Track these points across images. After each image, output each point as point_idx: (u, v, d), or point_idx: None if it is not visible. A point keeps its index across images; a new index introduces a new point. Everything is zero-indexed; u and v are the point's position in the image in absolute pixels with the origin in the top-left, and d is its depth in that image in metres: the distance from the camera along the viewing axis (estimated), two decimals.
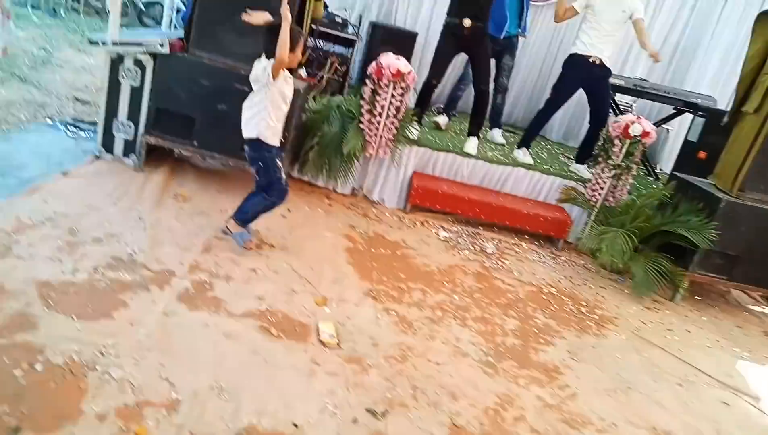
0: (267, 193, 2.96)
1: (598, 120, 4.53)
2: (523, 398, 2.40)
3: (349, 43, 4.97)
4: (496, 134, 5.14)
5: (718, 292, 4.28)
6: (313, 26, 4.55)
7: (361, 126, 4.06)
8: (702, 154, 4.71)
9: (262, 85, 2.76)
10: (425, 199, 4.28)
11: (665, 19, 5.80)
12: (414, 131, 4.31)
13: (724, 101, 5.55)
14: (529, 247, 4.27)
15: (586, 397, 2.53)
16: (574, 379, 2.66)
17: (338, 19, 4.86)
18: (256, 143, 2.85)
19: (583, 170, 4.65)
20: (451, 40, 4.26)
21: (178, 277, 2.61)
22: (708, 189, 3.96)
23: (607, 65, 4.40)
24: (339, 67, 4.78)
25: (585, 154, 4.69)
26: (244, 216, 2.99)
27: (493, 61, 5.12)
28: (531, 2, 5.52)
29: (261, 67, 2.74)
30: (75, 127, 4.16)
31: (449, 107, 5.21)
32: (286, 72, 2.79)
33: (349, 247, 3.43)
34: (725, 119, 4.18)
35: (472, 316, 3.00)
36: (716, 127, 4.56)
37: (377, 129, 4.05)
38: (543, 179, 4.55)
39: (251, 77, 2.80)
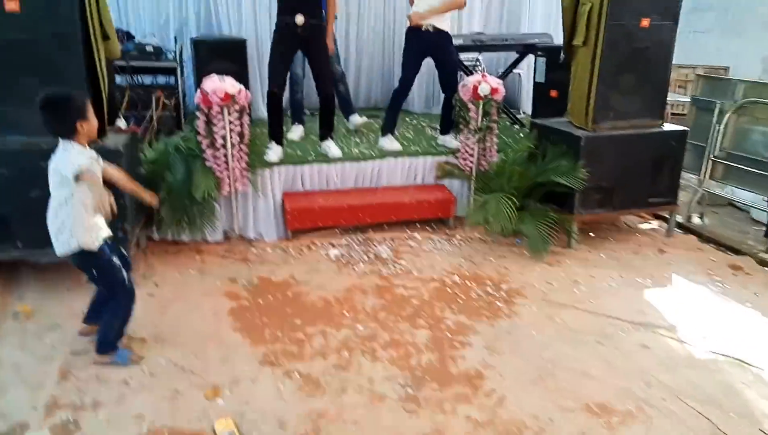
0: (115, 299, 2.51)
1: (449, 86, 4.42)
2: (453, 427, 2.23)
3: (171, 71, 4.46)
4: (354, 119, 4.93)
5: (609, 223, 4.39)
6: (119, 65, 4.03)
7: (208, 163, 3.66)
8: (554, 93, 4.77)
9: (64, 187, 2.27)
10: (304, 219, 3.98)
11: None
12: (272, 152, 3.97)
13: (559, 36, 5.67)
14: (422, 236, 4.12)
15: (514, 397, 2.41)
16: (498, 379, 2.54)
17: (149, 48, 4.33)
18: (79, 256, 2.37)
19: (450, 140, 4.55)
20: (285, 41, 3.90)
21: (32, 429, 2.16)
22: (567, 129, 3.98)
23: (443, 29, 4.27)
24: (167, 102, 4.29)
25: (447, 123, 4.57)
26: (108, 345, 2.52)
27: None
28: None
29: (56, 172, 2.26)
30: None
31: (296, 115, 4.85)
32: (87, 150, 2.33)
33: (233, 309, 3.07)
34: (562, 56, 4.22)
35: (381, 342, 2.79)
36: (558, 64, 4.63)
37: (225, 162, 3.67)
38: (416, 162, 4.40)
39: (50, 178, 2.30)
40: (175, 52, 4.39)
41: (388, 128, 4.48)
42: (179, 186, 3.61)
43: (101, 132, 3.09)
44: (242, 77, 4.93)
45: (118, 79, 4.43)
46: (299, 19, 3.78)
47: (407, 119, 5.52)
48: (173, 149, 3.79)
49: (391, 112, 4.51)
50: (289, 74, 4.61)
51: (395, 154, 4.34)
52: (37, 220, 3.00)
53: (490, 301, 3.23)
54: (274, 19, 3.95)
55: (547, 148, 4.01)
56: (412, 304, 3.18)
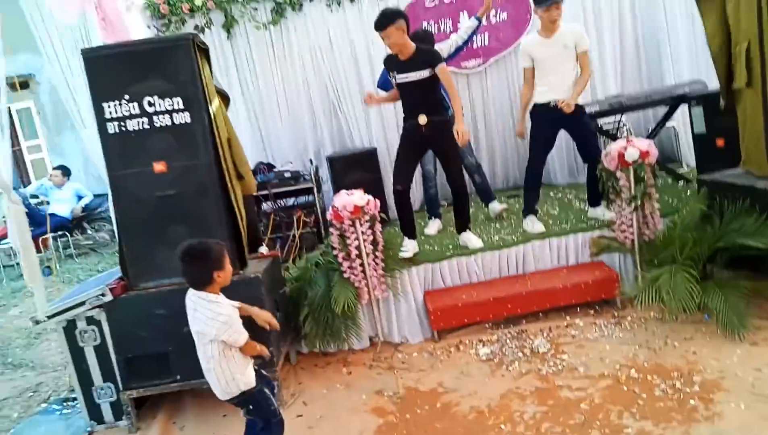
0: (268, 429, 2.48)
1: (588, 155, 4.08)
2: None
3: (309, 191, 4.69)
4: (494, 206, 4.70)
5: None
6: (262, 194, 4.37)
7: (345, 275, 3.64)
8: (720, 142, 4.13)
9: (213, 344, 2.33)
10: (449, 318, 3.74)
11: (609, 27, 5.44)
12: (407, 248, 3.88)
13: (714, 80, 5.04)
14: (585, 322, 3.63)
15: None
16: None
17: (287, 174, 4.62)
18: (237, 397, 2.41)
19: (601, 212, 4.10)
20: (410, 141, 3.93)
21: None
22: (745, 182, 3.37)
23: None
24: (306, 219, 4.47)
25: (595, 194, 4.16)
26: None
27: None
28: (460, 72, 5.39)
29: (201, 335, 2.35)
30: (70, 401, 3.81)
31: (432, 210, 4.77)
32: (221, 300, 2.38)
33: (379, 427, 2.85)
34: (721, 102, 3.68)
35: None
36: (718, 110, 4.04)
37: (362, 272, 3.62)
38: (564, 241, 3.99)
39: (196, 338, 2.39)
40: (310, 173, 4.63)
41: (528, 209, 4.19)
42: (320, 300, 3.62)
43: (242, 263, 3.25)
44: (377, 184, 5.12)
45: (265, 206, 4.79)
46: (422, 119, 3.80)
47: (551, 193, 5.16)
48: (314, 265, 3.87)
49: (528, 193, 4.23)
50: (422, 171, 4.66)
51: (540, 235, 3.98)
52: (191, 353, 3.17)
53: (681, 400, 2.63)
54: (401, 125, 4.03)
55: (724, 206, 3.39)
56: (581, 409, 2.69)
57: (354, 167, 5.12)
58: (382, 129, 5.62)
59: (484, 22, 4.67)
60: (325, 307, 3.60)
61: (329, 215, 3.62)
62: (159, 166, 3.04)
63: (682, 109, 4.97)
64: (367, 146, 5.58)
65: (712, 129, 4.21)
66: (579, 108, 4.04)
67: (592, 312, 3.74)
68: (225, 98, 3.57)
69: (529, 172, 4.22)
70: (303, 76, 5.68)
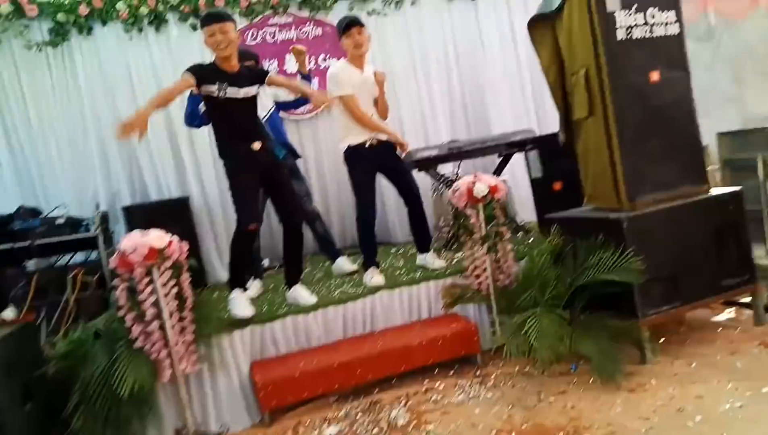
0: None
1: (410, 197, 3.73)
2: None
3: (92, 244, 3.57)
4: (343, 263, 4.03)
5: (674, 322, 3.41)
6: (20, 248, 3.20)
7: (137, 344, 2.63)
8: (557, 186, 4.08)
9: None
10: (284, 393, 2.91)
11: (437, 77, 5.38)
12: (238, 303, 3.04)
13: (541, 126, 5.20)
14: (446, 384, 3.06)
15: None
16: None
17: (60, 220, 3.48)
18: None
19: (431, 260, 3.71)
20: (246, 170, 3.13)
21: None
22: (596, 215, 3.22)
23: (385, 139, 3.69)
24: (87, 279, 3.34)
25: (424, 237, 3.80)
26: None
27: None
28: (291, 118, 4.86)
29: None
30: None
31: (255, 269, 3.96)
32: None
33: None
34: (560, 137, 3.60)
35: None
36: (553, 153, 4.05)
37: (162, 338, 2.65)
38: (415, 291, 3.47)
39: None
40: (92, 221, 3.54)
41: (367, 261, 3.63)
42: (99, 381, 2.54)
43: None
44: (190, 239, 4.15)
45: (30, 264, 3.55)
46: (256, 145, 3.12)
47: (392, 251, 4.68)
48: (92, 336, 2.77)
49: (364, 244, 3.69)
50: None
51: (388, 285, 3.41)
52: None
53: None
54: (219, 172, 3.26)
55: (577, 243, 3.17)
56: None
57: (160, 219, 4.04)
58: (196, 174, 4.74)
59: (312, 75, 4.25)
60: (105, 390, 2.54)
61: (112, 262, 2.64)
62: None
63: (511, 166, 4.99)
64: (177, 195, 4.64)
65: (549, 173, 4.16)
66: (392, 145, 3.73)
67: (451, 372, 3.20)
68: None
69: (361, 222, 3.67)
70: (92, 111, 4.60)
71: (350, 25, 3.55)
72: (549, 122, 5.14)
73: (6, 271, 3.39)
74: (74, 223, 3.59)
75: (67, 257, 3.78)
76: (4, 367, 2.17)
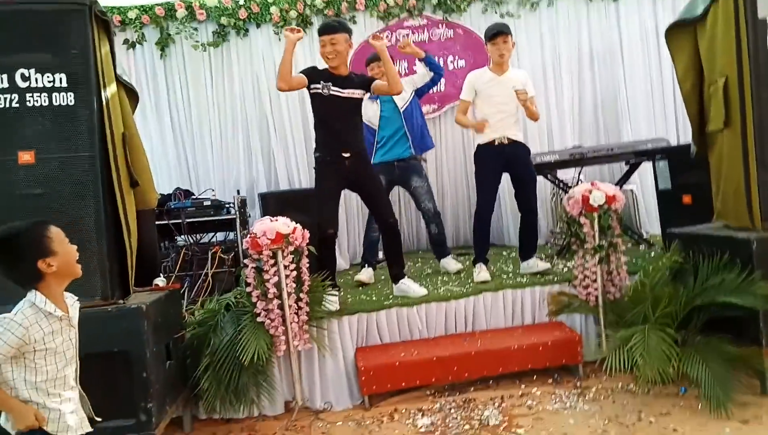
0: None
1: (525, 203, 3.79)
2: None
3: (231, 226, 4.04)
4: (448, 263, 4.14)
5: None
6: (173, 224, 3.73)
7: (259, 319, 2.97)
8: (687, 199, 3.82)
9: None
10: (383, 380, 3.09)
11: (569, 80, 5.27)
12: (331, 301, 3.23)
13: (673, 136, 4.89)
14: (543, 391, 3.06)
15: None
16: None
17: (207, 203, 3.98)
18: None
19: (535, 264, 3.70)
20: (332, 176, 3.40)
21: None
22: (723, 233, 2.99)
23: (518, 140, 3.77)
24: (224, 256, 3.79)
25: (529, 246, 3.81)
26: None
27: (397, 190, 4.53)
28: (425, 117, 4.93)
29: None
30: None
31: (369, 256, 4.22)
32: (45, 300, 1.62)
33: None
34: (692, 149, 3.38)
35: None
36: (684, 164, 3.80)
37: (281, 317, 2.97)
38: (520, 295, 3.48)
39: None
40: (233, 204, 4.00)
41: (477, 257, 3.78)
42: (225, 350, 2.92)
43: (123, 290, 2.56)
44: (315, 228, 4.53)
45: (180, 240, 4.10)
46: (345, 153, 3.34)
47: (504, 253, 4.69)
48: (223, 308, 3.18)
49: (477, 240, 3.84)
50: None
51: (493, 287, 3.47)
52: None
53: None
54: None
55: (699, 261, 2.98)
56: None
57: (289, 207, 4.43)
58: None
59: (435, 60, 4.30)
60: (230, 358, 2.91)
61: (245, 243, 3.00)
62: (26, 157, 2.37)
63: (640, 174, 4.74)
64: (306, 187, 5.05)
65: (678, 185, 3.91)
66: (526, 150, 3.83)
67: (550, 380, 3.19)
68: (131, 93, 2.97)
69: (478, 217, 3.84)
70: (242, 107, 5.16)
71: (497, 34, 3.69)
72: (689, 132, 4.81)
73: (160, 244, 3.95)
74: (218, 206, 4.08)
75: (211, 235, 4.29)
76: (153, 327, 2.58)
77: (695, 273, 2.98)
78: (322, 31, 3.26)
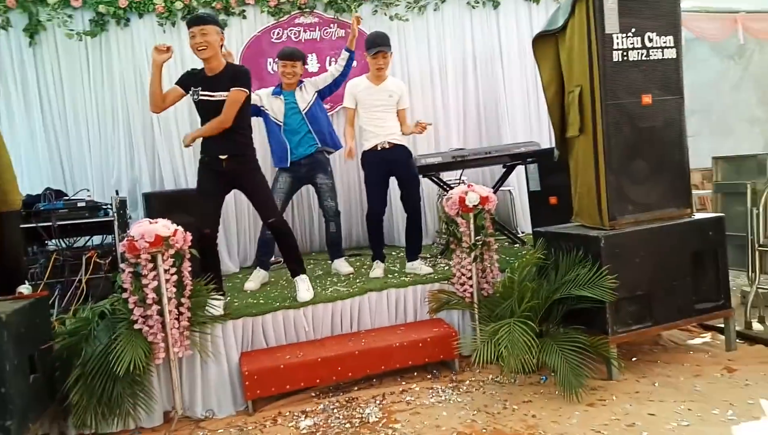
0: None
1: (409, 207, 4.01)
2: None
3: (108, 228, 3.86)
4: (340, 265, 4.23)
5: (650, 342, 3.51)
6: (43, 227, 3.51)
7: (136, 326, 2.88)
8: (553, 200, 4.18)
9: None
10: (267, 384, 3.10)
11: (453, 84, 5.52)
12: (216, 305, 3.20)
13: (545, 141, 5.28)
14: (422, 387, 3.22)
15: None
16: None
17: (81, 204, 3.77)
18: None
19: (419, 267, 3.93)
20: (211, 178, 3.37)
21: None
22: (579, 232, 3.30)
23: (400, 143, 3.98)
24: (100, 261, 3.62)
25: (414, 247, 4.04)
26: None
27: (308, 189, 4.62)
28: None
29: None
30: None
31: (262, 255, 4.21)
32: None
33: None
34: (555, 153, 3.69)
35: None
36: (552, 167, 4.10)
37: (160, 323, 2.90)
38: (403, 294, 3.64)
39: None
40: (111, 206, 3.82)
41: (375, 255, 4.02)
42: (98, 359, 2.80)
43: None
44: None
45: (51, 244, 3.85)
46: (223, 155, 3.31)
47: (393, 253, 4.85)
48: (97, 316, 3.04)
49: (373, 239, 4.06)
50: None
51: (378, 286, 3.59)
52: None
53: None
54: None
55: (560, 257, 3.28)
56: None
57: (176, 208, 4.29)
58: None
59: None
60: (104, 369, 2.79)
61: (121, 247, 2.89)
62: None
63: (518, 176, 5.08)
64: (194, 187, 4.90)
65: (546, 187, 4.26)
66: (407, 152, 4.04)
67: (429, 376, 3.36)
68: None
69: (369, 220, 4.05)
70: (123, 101, 4.91)
71: (378, 51, 3.85)
72: None
73: (28, 249, 3.69)
74: (94, 207, 3.86)
75: (86, 239, 4.06)
76: (15, 338, 2.42)
77: (556, 269, 3.27)
78: (191, 22, 3.16)
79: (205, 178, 3.37)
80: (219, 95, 3.22)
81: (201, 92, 3.22)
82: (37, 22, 4.70)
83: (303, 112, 4.13)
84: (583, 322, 3.11)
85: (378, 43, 3.86)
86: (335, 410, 3.01)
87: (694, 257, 3.19)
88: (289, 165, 4.11)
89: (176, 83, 3.30)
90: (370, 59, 3.89)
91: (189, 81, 3.28)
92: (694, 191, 4.68)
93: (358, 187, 5.39)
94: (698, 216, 3.30)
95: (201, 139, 3.36)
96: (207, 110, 3.27)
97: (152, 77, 3.17)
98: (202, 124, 3.35)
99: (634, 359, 3.27)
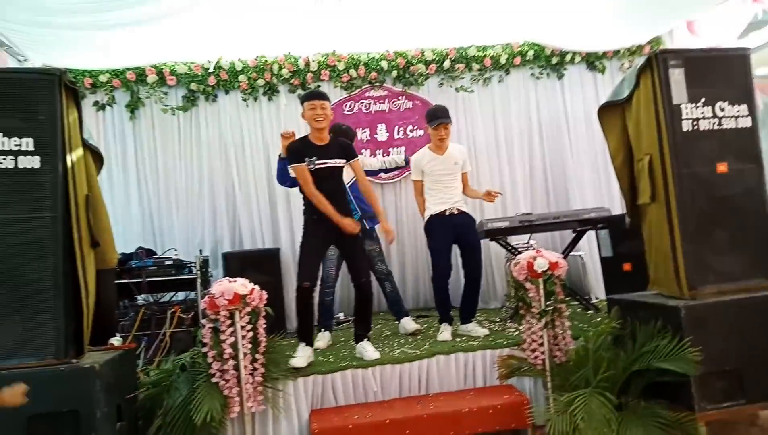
0: None
1: (472, 270, 4.08)
2: None
3: (192, 285, 4.10)
4: (407, 323, 4.30)
5: (745, 421, 3.27)
6: (134, 283, 3.79)
7: (214, 380, 3.00)
8: (627, 266, 4.08)
9: None
10: None
11: (519, 151, 5.62)
12: (300, 355, 3.34)
13: (616, 207, 5.20)
14: None
15: None
16: None
17: (168, 262, 4.04)
18: None
19: (474, 329, 3.95)
20: (320, 234, 3.59)
21: None
22: (656, 301, 3.19)
23: (466, 211, 4.14)
24: (183, 316, 3.82)
25: (471, 310, 4.10)
26: None
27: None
28: (375, 181, 5.15)
29: None
30: None
31: (325, 320, 4.32)
32: None
33: None
34: (627, 220, 3.64)
35: None
36: (624, 233, 4.04)
37: (235, 377, 3.01)
38: (471, 358, 3.59)
39: None
40: (195, 264, 4.08)
41: (442, 317, 4.03)
42: (178, 409, 2.92)
43: (77, 349, 2.60)
44: (276, 287, 4.63)
45: (140, 299, 4.12)
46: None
47: (454, 315, 4.81)
48: (179, 368, 3.20)
49: (439, 301, 4.08)
50: (321, 274, 4.22)
51: (446, 350, 3.58)
52: None
53: None
54: None
55: (636, 327, 3.18)
56: None
57: (252, 267, 4.59)
58: (289, 229, 5.26)
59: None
60: (183, 419, 2.90)
61: (203, 303, 3.06)
62: None
63: (589, 241, 5.01)
64: (270, 246, 5.16)
65: (619, 253, 4.18)
66: (471, 219, 4.16)
67: None
68: (97, 156, 3.08)
69: (435, 282, 4.09)
70: (209, 168, 5.31)
71: (440, 123, 4.04)
72: None
73: (120, 303, 3.96)
74: (180, 265, 4.14)
75: (171, 295, 4.32)
76: (105, 387, 2.59)
77: (634, 339, 3.16)
78: (316, 96, 3.55)
79: (313, 234, 3.59)
80: (331, 162, 3.56)
81: (317, 161, 3.52)
82: (138, 99, 5.24)
83: (348, 185, 4.27)
84: (666, 397, 2.96)
85: (438, 116, 4.04)
86: None
87: None
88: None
89: (294, 159, 3.56)
90: (432, 131, 4.06)
91: (302, 151, 3.56)
92: None
93: (425, 249, 5.45)
94: None
95: (311, 200, 3.58)
96: (321, 177, 3.54)
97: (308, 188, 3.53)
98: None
99: None
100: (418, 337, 4.05)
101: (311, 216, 3.60)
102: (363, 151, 5.40)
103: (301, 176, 3.53)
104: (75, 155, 2.67)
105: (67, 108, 2.64)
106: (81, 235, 2.64)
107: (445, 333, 3.91)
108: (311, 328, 3.54)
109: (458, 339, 3.87)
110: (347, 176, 4.34)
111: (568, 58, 5.67)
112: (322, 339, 4.10)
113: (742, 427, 3.21)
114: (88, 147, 2.94)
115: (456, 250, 4.20)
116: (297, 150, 3.58)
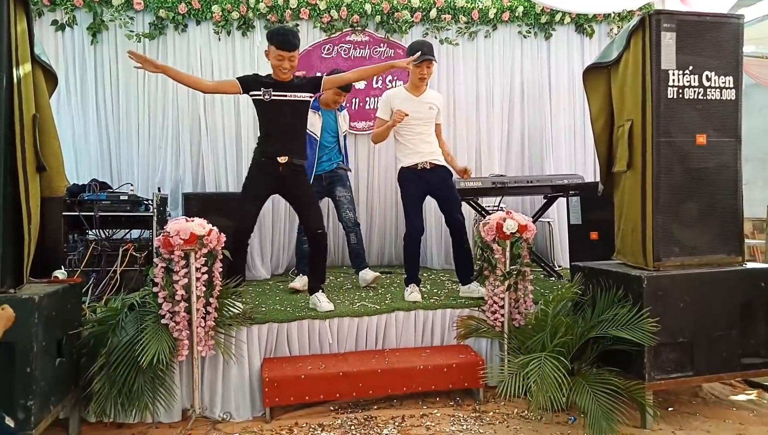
0: None
1: (455, 228, 3.84)
2: None
3: (147, 223, 3.92)
4: (366, 274, 4.22)
5: (689, 392, 3.33)
6: (85, 216, 3.59)
7: (164, 321, 2.88)
8: (594, 235, 4.05)
9: None
10: (287, 393, 3.05)
11: (499, 111, 5.49)
12: (237, 304, 3.20)
13: (590, 175, 5.16)
14: (443, 413, 3.12)
15: None
16: None
17: (123, 197, 3.85)
18: None
19: (474, 290, 3.76)
20: (262, 180, 3.39)
21: None
22: (621, 270, 3.17)
23: (441, 164, 3.89)
24: (136, 254, 3.67)
25: (466, 270, 3.87)
26: None
27: (327, 201, 4.57)
28: (350, 132, 5.01)
29: None
30: None
31: (301, 264, 4.24)
32: None
33: None
34: (600, 187, 3.57)
35: None
36: (595, 201, 4.00)
37: (186, 320, 2.90)
38: (431, 316, 3.55)
39: None
40: (152, 202, 3.88)
41: (409, 277, 3.82)
42: (123, 350, 2.81)
43: (16, 279, 2.45)
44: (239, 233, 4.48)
45: (92, 234, 3.93)
46: (282, 158, 3.32)
47: (425, 275, 4.77)
48: (126, 307, 3.06)
49: (408, 261, 3.87)
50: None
51: (405, 307, 3.52)
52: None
53: None
54: None
55: (597, 294, 3.16)
56: None
57: (214, 210, 4.40)
58: None
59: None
60: (128, 360, 2.80)
61: (156, 242, 2.92)
62: None
63: (558, 209, 4.97)
64: (233, 190, 4.98)
65: (588, 221, 4.14)
66: (448, 172, 3.93)
67: (452, 403, 3.26)
68: (50, 75, 2.83)
69: (408, 239, 3.85)
70: (174, 104, 5.05)
71: (425, 59, 3.67)
72: None
73: (69, 237, 3.77)
74: (135, 201, 3.94)
75: (126, 232, 4.13)
76: (45, 320, 2.45)
77: (593, 306, 3.15)
78: (286, 46, 3.21)
79: (256, 180, 3.40)
80: (291, 96, 3.31)
81: (274, 92, 3.28)
82: (101, 21, 4.90)
83: (340, 135, 4.31)
84: (619, 365, 2.97)
85: (424, 51, 3.64)
86: (352, 427, 2.94)
87: (744, 308, 3.02)
88: (312, 179, 4.11)
89: (238, 80, 3.32)
90: (413, 68, 3.67)
91: (256, 83, 3.31)
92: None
93: (393, 204, 5.36)
94: (750, 265, 3.13)
95: (260, 139, 3.41)
96: (276, 111, 3.31)
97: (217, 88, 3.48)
98: (267, 125, 3.38)
99: (670, 409, 3.10)
100: (380, 291, 3.98)
101: (259, 158, 3.40)
102: None
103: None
104: (22, 70, 2.43)
105: (16, 17, 2.39)
106: (26, 156, 2.43)
107: (415, 293, 3.69)
108: (243, 279, 3.41)
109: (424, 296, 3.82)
110: (344, 126, 4.37)
111: (557, 18, 5.49)
112: (300, 281, 4.07)
113: (685, 398, 3.27)
114: (39, 63, 2.69)
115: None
116: (252, 78, 3.34)
